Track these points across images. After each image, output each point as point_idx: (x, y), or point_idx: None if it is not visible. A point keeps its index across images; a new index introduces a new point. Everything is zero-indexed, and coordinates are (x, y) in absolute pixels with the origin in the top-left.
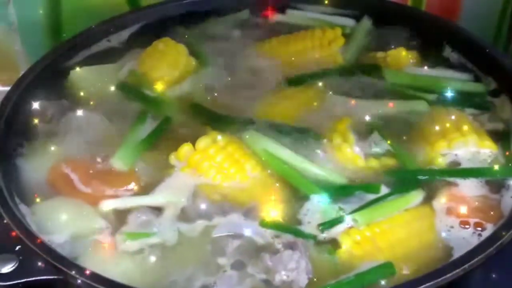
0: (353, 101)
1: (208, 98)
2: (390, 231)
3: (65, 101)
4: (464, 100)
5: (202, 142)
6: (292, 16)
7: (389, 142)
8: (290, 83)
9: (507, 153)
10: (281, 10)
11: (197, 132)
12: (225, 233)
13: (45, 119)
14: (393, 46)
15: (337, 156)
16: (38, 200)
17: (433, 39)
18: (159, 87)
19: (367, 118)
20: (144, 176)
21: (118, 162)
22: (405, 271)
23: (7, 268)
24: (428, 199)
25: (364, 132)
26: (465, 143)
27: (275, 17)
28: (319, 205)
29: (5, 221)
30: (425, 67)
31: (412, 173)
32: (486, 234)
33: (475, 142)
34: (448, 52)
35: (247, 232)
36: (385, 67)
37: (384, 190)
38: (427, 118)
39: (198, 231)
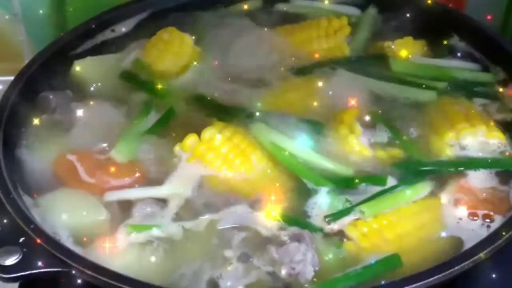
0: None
1: (214, 88)
2: (398, 223)
3: (69, 91)
4: (472, 90)
5: (208, 133)
6: (298, 5)
7: (396, 133)
8: (296, 73)
9: None
10: None
11: (203, 123)
12: (231, 225)
13: (49, 110)
14: (400, 36)
15: (344, 147)
16: (42, 191)
17: (441, 28)
18: (163, 77)
19: (375, 108)
20: (149, 167)
21: (118, 155)
22: (412, 263)
23: (11, 260)
24: (436, 191)
25: (371, 123)
26: (473, 134)
27: (280, 6)
28: (325, 197)
29: (8, 213)
30: (433, 57)
31: (419, 164)
32: (495, 226)
33: (483, 132)
34: (456, 42)
35: (253, 224)
36: (392, 57)
37: (391, 181)
38: (435, 108)
39: (204, 224)
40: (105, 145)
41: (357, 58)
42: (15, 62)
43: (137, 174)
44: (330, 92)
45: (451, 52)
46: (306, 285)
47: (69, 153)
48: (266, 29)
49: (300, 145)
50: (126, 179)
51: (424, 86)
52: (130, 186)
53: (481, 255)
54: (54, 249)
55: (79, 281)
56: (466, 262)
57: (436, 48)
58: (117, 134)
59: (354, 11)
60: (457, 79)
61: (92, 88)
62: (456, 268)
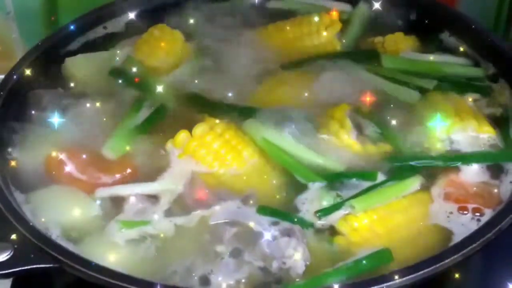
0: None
1: (205, 84)
2: (388, 217)
3: (60, 89)
4: (462, 85)
5: (199, 129)
6: (289, 1)
7: (386, 128)
8: (287, 69)
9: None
10: None
11: (194, 119)
12: (222, 220)
13: (41, 107)
14: (391, 31)
15: (335, 143)
16: (33, 188)
17: (432, 23)
18: (155, 73)
19: (365, 103)
20: (140, 163)
21: (109, 151)
22: (403, 257)
23: (2, 257)
24: (426, 185)
25: (361, 119)
26: (463, 128)
27: (272, 3)
28: (316, 192)
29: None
30: (424, 52)
31: (410, 159)
32: (484, 219)
33: (473, 127)
34: (447, 37)
35: (245, 219)
36: (383, 52)
37: (381, 176)
38: (425, 103)
39: (196, 219)
40: (96, 142)
41: (348, 54)
42: (8, 60)
43: (128, 170)
44: (321, 88)
45: (442, 47)
46: (297, 280)
47: (60, 150)
48: (257, 25)
49: (291, 141)
50: (117, 175)
51: (412, 85)
52: (121, 182)
53: (471, 248)
54: (45, 245)
55: (70, 277)
56: (456, 256)
57: (427, 44)
58: (108, 131)
59: (345, 7)
60: (448, 74)
61: (83, 85)
62: (446, 261)
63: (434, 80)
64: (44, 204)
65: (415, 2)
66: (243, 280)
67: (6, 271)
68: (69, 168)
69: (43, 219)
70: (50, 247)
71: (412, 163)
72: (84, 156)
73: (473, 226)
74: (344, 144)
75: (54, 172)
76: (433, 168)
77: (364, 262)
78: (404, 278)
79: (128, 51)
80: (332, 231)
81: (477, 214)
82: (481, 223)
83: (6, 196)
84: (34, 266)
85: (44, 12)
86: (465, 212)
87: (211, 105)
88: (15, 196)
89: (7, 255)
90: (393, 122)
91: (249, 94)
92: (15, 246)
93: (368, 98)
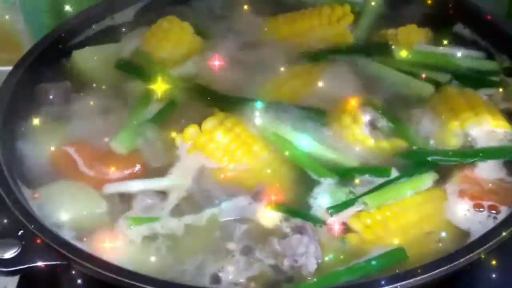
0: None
1: (214, 77)
2: (402, 215)
3: (68, 82)
4: (477, 78)
5: (209, 124)
6: None
7: (399, 122)
8: (298, 62)
9: None
10: None
11: (204, 113)
12: (233, 217)
13: (48, 101)
14: (404, 23)
15: (347, 137)
16: (41, 183)
17: (446, 15)
18: (164, 66)
19: (378, 97)
20: (149, 158)
21: (118, 146)
22: (417, 255)
23: (10, 254)
24: (441, 182)
25: (374, 113)
26: (478, 123)
27: None
28: (329, 188)
29: (7, 205)
30: (437, 45)
31: (424, 155)
32: (501, 217)
33: (488, 121)
34: (461, 29)
35: (255, 216)
36: (395, 45)
37: (395, 172)
38: (439, 97)
39: (205, 216)
40: (104, 136)
41: (360, 47)
42: (14, 52)
43: (137, 166)
44: (333, 81)
45: (455, 40)
46: (309, 278)
47: (67, 145)
48: (267, 17)
49: (302, 136)
50: (125, 170)
51: (425, 78)
52: (130, 177)
53: (487, 246)
54: (53, 242)
55: (78, 274)
56: (472, 254)
57: (440, 36)
58: (117, 125)
59: None
60: (462, 68)
61: (91, 78)
62: (462, 260)
63: (447, 73)
64: (52, 200)
65: None
66: (254, 278)
67: (13, 268)
68: (76, 163)
69: (51, 215)
70: (57, 244)
71: (426, 159)
72: (92, 150)
73: (490, 224)
74: (356, 139)
75: (61, 167)
76: (447, 164)
77: (377, 260)
78: (419, 277)
79: (136, 43)
80: (345, 228)
81: (493, 211)
82: (498, 221)
83: (14, 192)
84: (42, 263)
85: (50, 2)
86: (481, 209)
87: (220, 99)
88: (23, 191)
89: (15, 252)
90: (406, 116)
91: (259, 88)
92: (23, 243)
93: (380, 92)
